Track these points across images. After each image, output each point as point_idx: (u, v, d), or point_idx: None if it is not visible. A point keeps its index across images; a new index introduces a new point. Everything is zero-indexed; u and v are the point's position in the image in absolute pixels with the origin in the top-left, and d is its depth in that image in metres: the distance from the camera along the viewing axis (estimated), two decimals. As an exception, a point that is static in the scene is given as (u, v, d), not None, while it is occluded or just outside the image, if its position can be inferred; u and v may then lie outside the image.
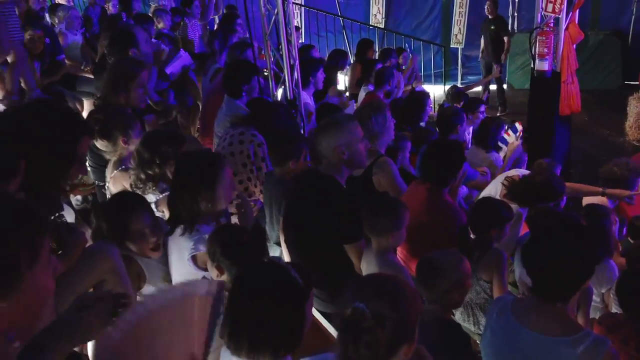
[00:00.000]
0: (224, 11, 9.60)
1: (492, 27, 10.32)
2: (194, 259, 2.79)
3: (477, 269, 3.22)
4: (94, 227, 2.85)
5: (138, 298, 1.66)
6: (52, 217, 2.62)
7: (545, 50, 6.19)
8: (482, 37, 10.60)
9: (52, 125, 2.56)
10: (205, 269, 2.79)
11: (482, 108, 6.21)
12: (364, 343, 1.71)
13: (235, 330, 1.82)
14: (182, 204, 2.83)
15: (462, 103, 6.37)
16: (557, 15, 6.10)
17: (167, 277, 2.98)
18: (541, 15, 6.22)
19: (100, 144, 3.62)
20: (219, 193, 2.83)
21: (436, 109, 9.38)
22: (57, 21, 6.65)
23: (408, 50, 9.20)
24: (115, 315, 1.81)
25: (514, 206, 3.70)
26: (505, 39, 10.30)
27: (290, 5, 5.17)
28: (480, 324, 3.31)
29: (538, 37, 6.20)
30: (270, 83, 5.51)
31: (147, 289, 2.91)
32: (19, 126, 2.49)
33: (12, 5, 5.17)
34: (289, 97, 5.31)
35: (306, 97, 5.70)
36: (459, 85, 10.32)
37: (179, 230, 2.85)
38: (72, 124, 2.66)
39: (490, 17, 10.41)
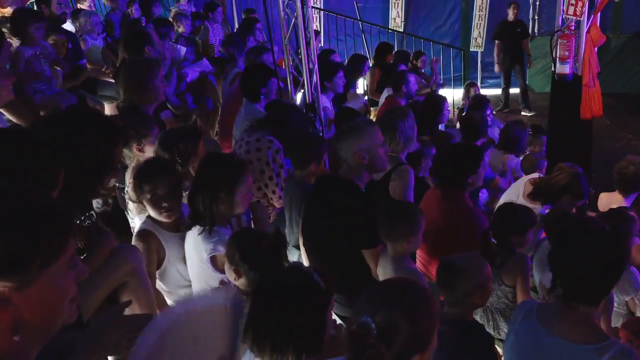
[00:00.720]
0: (242, 15, 9.67)
1: (518, 30, 10.18)
2: (212, 260, 2.82)
3: (499, 274, 3.19)
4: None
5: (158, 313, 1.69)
6: (82, 217, 2.64)
7: (567, 53, 6.13)
8: (498, 41, 10.48)
9: (92, 133, 2.57)
10: (223, 271, 2.81)
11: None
12: (367, 357, 1.70)
13: (259, 334, 1.84)
14: (201, 203, 2.86)
15: (487, 110, 6.32)
16: (578, 18, 6.04)
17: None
18: (562, 18, 6.17)
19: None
20: (238, 197, 2.87)
21: (455, 113, 9.36)
22: (78, 26, 6.72)
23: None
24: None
25: (534, 207, 3.68)
26: (524, 42, 10.21)
27: (310, 9, 5.18)
28: (500, 329, 3.28)
29: (559, 40, 6.15)
30: (290, 87, 5.53)
31: (168, 266, 2.96)
32: (57, 135, 2.47)
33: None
34: (307, 101, 5.32)
35: (325, 102, 5.72)
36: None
37: (196, 229, 2.87)
38: (109, 131, 2.67)
39: (511, 20, 10.28)
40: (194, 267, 2.93)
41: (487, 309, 3.28)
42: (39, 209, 1.26)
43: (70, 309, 1.33)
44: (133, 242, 3.11)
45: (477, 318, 3.34)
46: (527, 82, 10.96)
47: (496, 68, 10.71)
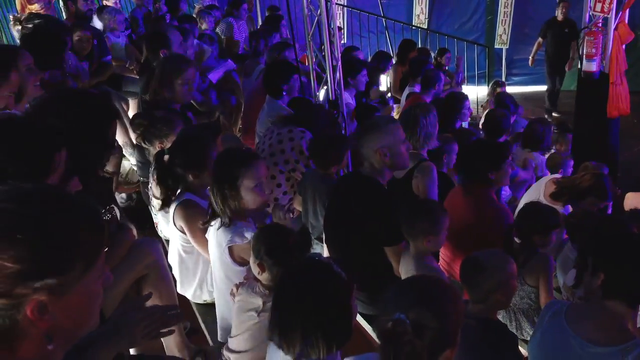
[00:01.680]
0: (265, 13, 9.69)
1: (566, 30, 9.62)
2: (230, 251, 2.84)
3: (522, 273, 3.16)
4: None
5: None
6: (103, 211, 2.67)
7: (594, 50, 6.06)
8: (541, 39, 10.01)
9: (85, 112, 2.55)
10: (241, 263, 2.83)
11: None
12: (404, 354, 1.70)
13: (287, 330, 1.86)
14: (214, 199, 2.87)
15: (510, 108, 6.26)
16: (606, 15, 5.96)
17: None
18: (589, 15, 6.09)
19: (144, 145, 3.71)
20: (243, 192, 2.81)
21: (479, 110, 9.28)
22: (102, 23, 6.80)
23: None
24: (164, 328, 1.92)
25: (555, 207, 3.65)
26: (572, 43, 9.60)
27: (333, 5, 5.17)
28: (523, 329, 3.25)
29: (586, 38, 6.07)
30: (313, 84, 5.53)
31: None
32: (51, 118, 2.46)
33: None
34: (330, 98, 5.32)
35: (347, 98, 5.72)
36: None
37: (217, 223, 2.89)
38: (102, 109, 2.67)
39: (560, 19, 9.79)
40: (215, 259, 2.96)
41: (510, 308, 3.25)
42: (79, 210, 1.27)
43: (97, 314, 1.34)
44: (177, 211, 3.14)
45: (500, 318, 3.31)
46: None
47: (530, 62, 10.32)
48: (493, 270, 2.58)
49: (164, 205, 3.28)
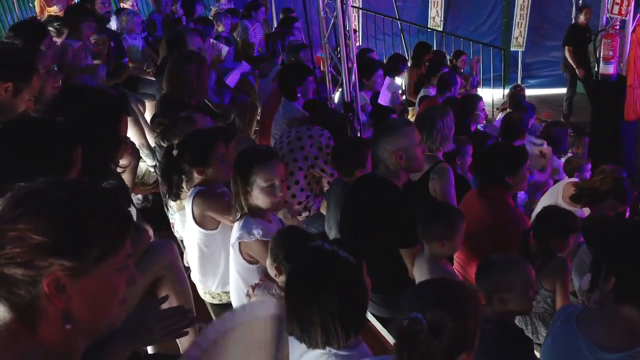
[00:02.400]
0: (280, 14, 9.72)
1: (588, 35, 9.26)
2: (239, 246, 2.87)
3: (539, 277, 3.14)
4: None
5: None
6: None
7: (611, 53, 6.02)
8: (569, 47, 9.64)
9: (95, 108, 2.58)
10: (249, 261, 2.87)
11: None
12: (419, 354, 1.70)
13: (306, 323, 1.86)
14: (233, 195, 2.90)
15: (527, 112, 6.21)
16: (623, 17, 5.92)
17: None
18: (607, 17, 6.05)
19: (164, 144, 3.73)
20: (254, 189, 2.82)
21: (494, 113, 9.25)
22: (120, 25, 6.85)
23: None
24: (179, 330, 1.95)
25: (573, 209, 3.63)
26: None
27: (349, 8, 5.18)
28: (538, 334, 3.23)
29: (603, 40, 6.04)
30: (328, 86, 5.54)
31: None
32: (61, 116, 2.47)
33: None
34: (346, 100, 5.33)
35: (363, 100, 5.75)
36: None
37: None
38: (112, 104, 2.70)
39: (582, 24, 9.56)
40: (231, 254, 3.00)
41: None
42: (105, 202, 1.33)
43: (118, 311, 1.37)
44: (196, 202, 3.15)
45: (516, 322, 3.30)
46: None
47: (579, 73, 9.68)
48: (494, 271, 2.59)
49: (170, 197, 3.33)
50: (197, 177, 3.20)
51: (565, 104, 10.16)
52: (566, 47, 9.65)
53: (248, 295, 2.70)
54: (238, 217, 2.89)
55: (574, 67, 9.55)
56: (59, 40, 5.30)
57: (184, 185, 3.25)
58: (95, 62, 5.47)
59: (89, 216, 1.27)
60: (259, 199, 2.83)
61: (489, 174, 3.61)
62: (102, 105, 2.64)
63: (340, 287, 1.87)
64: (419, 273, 3.10)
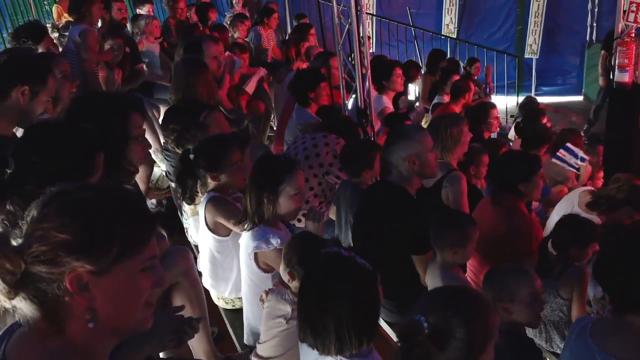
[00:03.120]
0: (294, 21, 9.75)
1: None
2: (255, 257, 2.88)
3: (556, 285, 3.13)
4: None
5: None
6: None
7: (626, 61, 5.97)
8: (605, 52, 9.06)
9: (99, 106, 2.67)
10: (265, 269, 2.87)
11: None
12: (415, 356, 1.68)
13: (320, 329, 1.85)
14: (249, 203, 2.91)
15: (544, 119, 6.17)
16: (639, 25, 5.88)
17: None
18: (622, 25, 6.02)
19: (178, 150, 3.76)
20: (282, 198, 2.86)
21: (508, 121, 9.21)
22: (137, 30, 6.89)
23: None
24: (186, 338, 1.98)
25: (590, 217, 3.61)
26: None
27: (363, 14, 5.20)
28: (552, 341, 3.21)
29: (618, 48, 6.00)
30: (342, 92, 5.55)
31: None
32: (79, 121, 2.58)
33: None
34: (359, 107, 5.33)
35: (386, 102, 5.75)
36: (532, 96, 10.01)
37: (246, 226, 2.93)
38: (116, 103, 2.76)
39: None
40: (243, 259, 3.01)
41: (541, 320, 3.21)
42: (129, 202, 1.37)
43: (145, 314, 1.38)
44: (208, 208, 3.19)
45: (530, 330, 3.28)
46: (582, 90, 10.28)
47: (600, 81, 9.49)
48: (497, 280, 2.60)
49: (185, 200, 3.36)
50: (211, 183, 3.22)
51: (593, 113, 9.71)
52: (602, 52, 9.27)
53: (261, 300, 2.71)
54: (250, 227, 2.90)
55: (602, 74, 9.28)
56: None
57: (198, 189, 3.28)
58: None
59: (111, 215, 1.30)
60: (285, 206, 2.88)
61: (502, 182, 3.60)
62: (109, 106, 2.71)
63: (357, 294, 1.86)
64: (431, 280, 3.10)
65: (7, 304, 1.28)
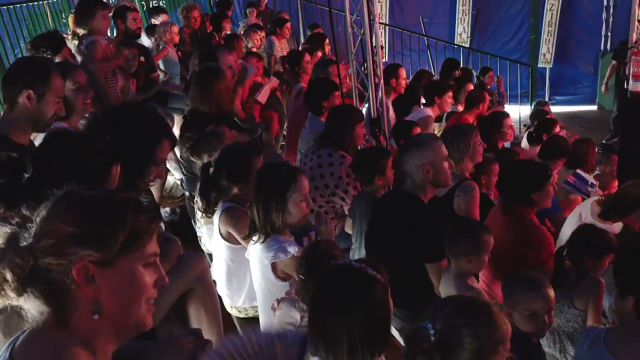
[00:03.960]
0: (307, 31, 9.80)
1: None
2: (273, 266, 2.88)
3: (571, 296, 3.11)
4: None
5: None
6: None
7: (641, 70, 5.96)
8: (615, 62, 9.06)
9: (134, 124, 2.67)
10: (284, 278, 2.87)
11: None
12: None
13: (332, 342, 1.83)
14: (256, 213, 2.92)
15: (557, 127, 6.14)
16: (653, 35, 5.87)
17: None
18: (636, 34, 6.01)
19: (193, 158, 3.78)
20: (290, 206, 2.88)
21: (521, 130, 9.18)
22: (157, 36, 6.94)
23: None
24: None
25: (605, 227, 3.59)
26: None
27: (376, 24, 5.22)
28: (566, 352, 3.19)
29: (633, 57, 5.99)
30: (355, 101, 5.57)
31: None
32: (101, 133, 2.57)
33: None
34: (372, 116, 5.35)
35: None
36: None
37: (256, 238, 2.94)
38: (153, 125, 2.74)
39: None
40: (256, 272, 3.01)
41: (555, 330, 3.19)
42: (131, 201, 1.47)
43: (146, 310, 1.44)
44: (222, 218, 3.22)
45: (544, 339, 3.26)
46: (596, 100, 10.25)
47: (602, 88, 9.63)
48: (504, 284, 2.62)
49: (205, 216, 3.35)
50: (234, 194, 3.25)
51: (612, 122, 9.47)
52: (612, 62, 9.25)
53: (273, 308, 2.72)
54: (263, 238, 2.90)
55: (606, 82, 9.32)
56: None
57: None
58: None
59: (115, 210, 1.40)
60: (293, 213, 2.90)
61: (514, 191, 3.59)
62: (144, 122, 2.71)
63: (368, 305, 1.84)
64: (445, 289, 3.09)
65: (15, 301, 1.35)
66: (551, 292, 2.59)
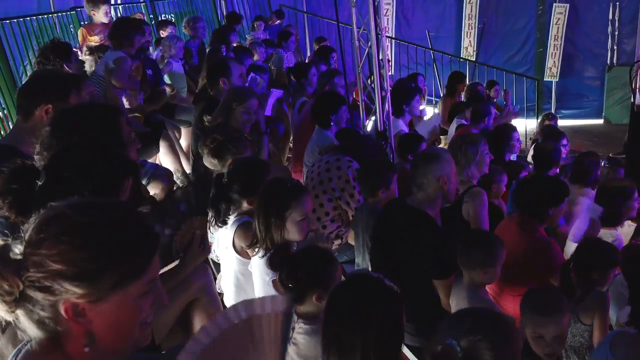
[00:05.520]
0: (314, 44, 9.85)
1: None
2: (274, 283, 2.85)
3: (577, 311, 3.10)
4: None
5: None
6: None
7: (647, 84, 5.96)
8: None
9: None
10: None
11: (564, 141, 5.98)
12: None
13: (346, 350, 1.85)
14: (258, 228, 2.90)
15: (563, 140, 6.12)
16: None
17: None
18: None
19: (209, 162, 3.77)
20: (289, 224, 2.84)
21: (527, 143, 9.17)
22: (162, 50, 6.98)
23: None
24: None
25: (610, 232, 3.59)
26: None
27: (383, 38, 5.25)
28: (573, 367, 3.18)
29: (639, 71, 5.98)
30: (362, 114, 5.59)
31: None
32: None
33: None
34: (379, 129, 5.36)
35: (402, 125, 5.78)
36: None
37: (260, 252, 2.93)
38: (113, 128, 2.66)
39: None
40: (257, 285, 3.00)
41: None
42: (129, 225, 1.33)
43: (143, 332, 1.37)
44: (238, 233, 3.18)
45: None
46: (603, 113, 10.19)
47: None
48: (525, 299, 2.59)
49: (216, 225, 3.33)
50: (245, 207, 3.25)
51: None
52: None
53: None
54: (263, 253, 2.89)
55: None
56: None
57: (230, 213, 3.29)
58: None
59: (108, 243, 1.27)
60: (293, 232, 2.86)
61: (532, 205, 3.57)
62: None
63: (384, 316, 1.87)
64: (456, 301, 3.09)
65: (9, 317, 1.28)
66: (564, 320, 2.56)
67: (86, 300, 1.24)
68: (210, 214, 3.37)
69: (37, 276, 1.22)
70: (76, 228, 1.26)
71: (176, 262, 2.93)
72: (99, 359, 1.33)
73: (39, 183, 2.05)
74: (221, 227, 3.31)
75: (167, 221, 3.12)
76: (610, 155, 8.57)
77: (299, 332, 2.44)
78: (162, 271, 2.65)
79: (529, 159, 6.67)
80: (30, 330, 1.27)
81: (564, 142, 6.03)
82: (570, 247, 3.94)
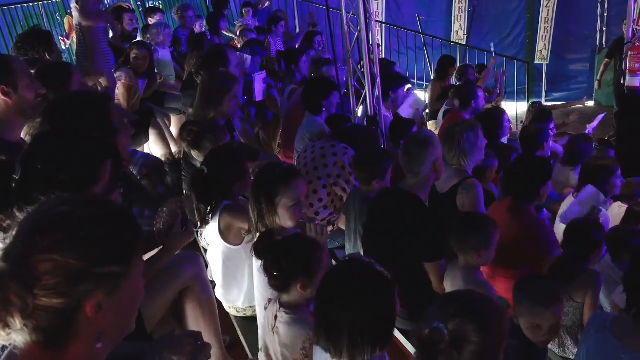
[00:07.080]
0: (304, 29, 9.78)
1: None
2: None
3: (569, 290, 3.12)
4: None
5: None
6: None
7: (637, 65, 5.96)
8: (608, 60, 9.03)
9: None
10: None
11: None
12: None
13: (334, 332, 1.86)
14: (252, 212, 2.89)
15: (549, 121, 6.11)
16: (650, 30, 5.88)
17: None
18: (632, 29, 6.01)
19: (194, 153, 3.77)
20: (281, 209, 2.81)
21: (518, 127, 9.17)
22: (149, 37, 6.92)
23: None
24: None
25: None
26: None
27: (373, 22, 5.21)
28: (565, 347, 3.20)
29: (629, 52, 5.99)
30: (352, 100, 5.56)
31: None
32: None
33: (102, 32, 5.36)
34: (369, 114, 5.34)
35: (384, 111, 5.75)
36: (543, 102, 9.97)
37: (249, 237, 2.94)
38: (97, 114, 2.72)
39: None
40: (255, 274, 2.98)
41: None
42: (119, 213, 1.34)
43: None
44: (223, 217, 3.17)
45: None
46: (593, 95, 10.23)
47: (596, 85, 9.55)
48: (518, 286, 2.60)
49: (203, 223, 3.29)
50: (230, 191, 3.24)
51: (615, 119, 8.83)
52: (605, 60, 9.24)
53: (265, 307, 2.70)
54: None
55: (599, 81, 9.26)
56: None
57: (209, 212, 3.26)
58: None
59: (116, 232, 1.28)
60: (285, 218, 2.83)
61: (523, 187, 3.57)
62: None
63: (375, 299, 1.87)
64: (451, 284, 3.10)
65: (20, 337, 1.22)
66: (561, 309, 2.56)
67: (106, 294, 1.23)
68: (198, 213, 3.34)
69: (54, 282, 1.18)
70: (85, 222, 1.24)
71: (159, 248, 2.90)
72: (101, 354, 1.33)
73: (16, 177, 2.02)
74: (202, 226, 3.29)
75: (147, 203, 3.10)
76: (605, 138, 8.60)
77: (281, 322, 2.44)
78: (146, 257, 2.65)
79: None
80: (20, 340, 1.22)
81: (552, 125, 6.03)
82: (559, 227, 3.95)
